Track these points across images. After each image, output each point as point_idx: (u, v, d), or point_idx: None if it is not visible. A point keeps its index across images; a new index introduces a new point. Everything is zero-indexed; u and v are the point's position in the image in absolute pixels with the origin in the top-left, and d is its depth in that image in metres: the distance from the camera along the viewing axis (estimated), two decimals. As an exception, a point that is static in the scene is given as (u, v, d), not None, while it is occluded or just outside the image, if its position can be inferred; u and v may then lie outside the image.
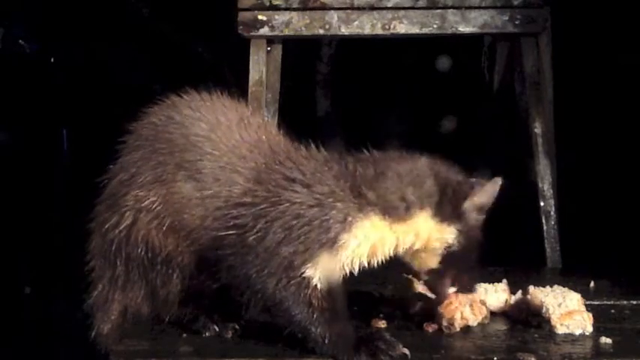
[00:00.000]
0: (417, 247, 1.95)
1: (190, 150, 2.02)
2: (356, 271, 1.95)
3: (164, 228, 2.02)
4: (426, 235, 1.94)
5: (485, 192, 1.95)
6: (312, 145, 2.02)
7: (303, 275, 1.90)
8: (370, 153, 2.00)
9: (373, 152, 2.00)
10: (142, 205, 2.03)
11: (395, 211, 1.92)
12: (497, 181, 1.96)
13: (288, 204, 1.92)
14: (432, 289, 2.04)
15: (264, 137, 2.04)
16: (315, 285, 1.90)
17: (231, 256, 1.95)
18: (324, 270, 1.91)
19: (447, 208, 1.94)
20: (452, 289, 2.01)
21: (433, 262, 1.98)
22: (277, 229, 1.91)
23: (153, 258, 2.04)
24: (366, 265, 1.95)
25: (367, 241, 1.92)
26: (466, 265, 1.99)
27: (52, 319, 3.39)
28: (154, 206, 2.02)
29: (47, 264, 3.60)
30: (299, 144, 2.05)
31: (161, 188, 2.02)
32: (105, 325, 2.11)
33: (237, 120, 2.05)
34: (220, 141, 2.01)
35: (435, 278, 2.01)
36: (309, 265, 1.90)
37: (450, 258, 1.96)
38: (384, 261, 1.97)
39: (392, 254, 1.96)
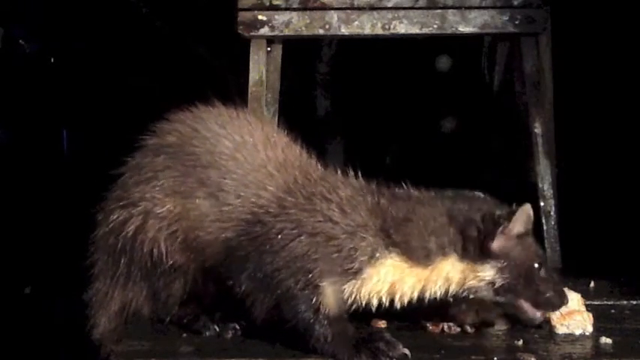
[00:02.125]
0: (453, 289, 1.95)
1: (214, 167, 2.01)
2: (374, 307, 1.95)
3: (176, 242, 2.02)
4: (459, 277, 1.94)
5: (517, 221, 1.93)
6: (350, 172, 2.02)
7: (319, 285, 1.90)
8: (403, 191, 2.00)
9: (405, 191, 2.00)
10: (154, 211, 2.03)
11: (417, 257, 1.92)
12: (527, 209, 1.94)
13: (322, 219, 1.92)
14: (514, 319, 2.01)
15: (291, 157, 2.04)
16: (328, 295, 1.90)
17: (249, 260, 1.94)
18: (339, 292, 1.91)
19: (475, 248, 1.93)
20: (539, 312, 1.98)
21: (488, 297, 1.96)
22: (305, 241, 1.91)
23: (157, 264, 2.04)
24: (387, 304, 1.95)
25: (387, 279, 1.93)
26: (533, 288, 1.95)
27: (52, 319, 3.39)
28: (167, 216, 2.02)
29: (47, 264, 3.59)
30: (333, 168, 2.05)
31: (178, 201, 2.02)
32: (102, 320, 2.11)
33: (263, 139, 2.05)
34: (245, 160, 2.01)
35: (510, 308, 1.98)
36: (326, 281, 1.90)
37: (507, 289, 1.94)
38: (410, 303, 1.97)
39: (418, 296, 1.95)
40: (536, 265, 1.96)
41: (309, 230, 1.92)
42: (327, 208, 1.93)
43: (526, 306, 1.96)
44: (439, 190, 2.01)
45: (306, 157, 2.08)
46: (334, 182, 1.99)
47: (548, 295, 1.97)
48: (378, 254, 1.91)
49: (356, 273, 1.91)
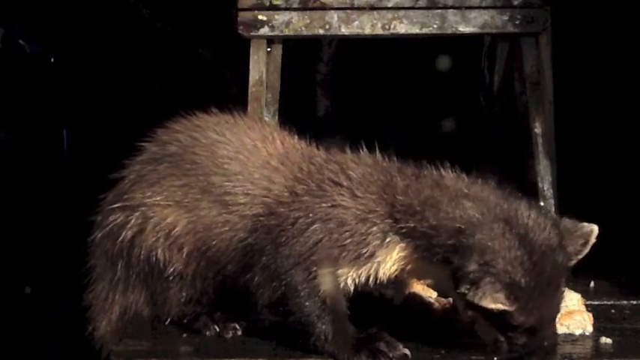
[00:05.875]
0: (437, 290, 1.98)
1: (217, 173, 2.00)
2: (385, 282, 1.96)
3: (182, 254, 2.02)
4: (443, 287, 1.95)
5: (483, 297, 1.77)
6: (361, 151, 1.99)
7: (328, 272, 1.90)
8: (427, 170, 1.94)
9: (429, 171, 1.94)
10: (153, 219, 2.02)
11: (421, 253, 1.89)
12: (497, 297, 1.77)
13: (333, 204, 1.91)
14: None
15: (292, 148, 2.04)
16: (334, 284, 1.90)
17: (264, 253, 1.93)
18: (346, 275, 1.92)
19: (465, 278, 1.80)
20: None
21: (461, 313, 1.90)
22: (318, 228, 1.90)
23: (154, 270, 2.04)
24: (396, 278, 1.97)
25: (400, 262, 1.92)
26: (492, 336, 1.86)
27: (52, 319, 3.39)
28: (167, 228, 2.01)
29: (47, 264, 3.60)
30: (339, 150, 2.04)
31: (181, 214, 2.01)
32: (103, 325, 2.11)
33: (261, 137, 2.05)
34: (248, 160, 2.01)
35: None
36: (336, 266, 1.90)
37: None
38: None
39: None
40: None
41: (322, 217, 1.91)
42: (337, 193, 1.92)
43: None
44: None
45: (306, 146, 2.07)
46: (344, 162, 1.97)
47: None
48: (389, 239, 1.90)
49: (370, 256, 1.90)
